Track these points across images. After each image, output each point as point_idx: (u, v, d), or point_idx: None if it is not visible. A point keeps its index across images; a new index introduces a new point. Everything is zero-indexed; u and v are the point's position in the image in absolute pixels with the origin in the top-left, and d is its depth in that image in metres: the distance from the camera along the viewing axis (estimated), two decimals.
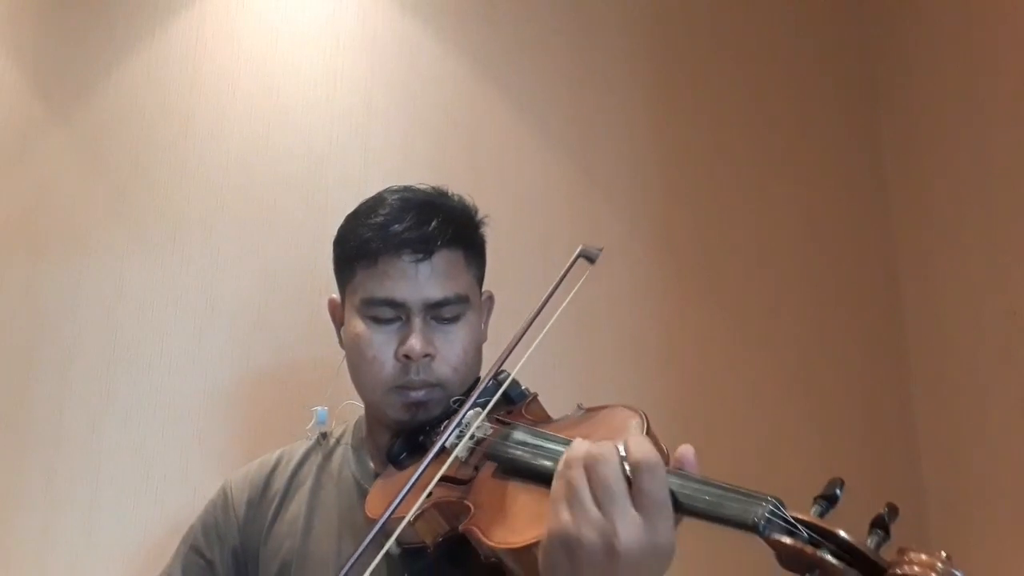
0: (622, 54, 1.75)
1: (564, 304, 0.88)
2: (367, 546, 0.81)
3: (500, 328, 1.11)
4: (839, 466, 1.58)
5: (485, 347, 1.07)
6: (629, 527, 0.62)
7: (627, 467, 0.65)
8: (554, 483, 0.68)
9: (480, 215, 1.09)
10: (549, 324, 0.89)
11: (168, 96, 1.61)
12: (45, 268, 1.51)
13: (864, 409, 1.64)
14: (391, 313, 0.98)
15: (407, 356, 0.96)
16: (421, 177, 1.61)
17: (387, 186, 1.11)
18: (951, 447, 1.56)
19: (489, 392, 0.91)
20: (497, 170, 1.65)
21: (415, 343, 0.96)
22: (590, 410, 0.93)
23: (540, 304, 0.91)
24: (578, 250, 0.93)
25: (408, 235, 0.98)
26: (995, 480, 1.45)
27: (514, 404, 1.00)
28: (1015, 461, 1.40)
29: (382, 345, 0.98)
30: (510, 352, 0.89)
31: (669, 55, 1.77)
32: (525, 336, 0.89)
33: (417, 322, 0.97)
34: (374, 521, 0.87)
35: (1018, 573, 1.38)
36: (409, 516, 0.82)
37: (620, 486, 0.64)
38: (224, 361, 1.50)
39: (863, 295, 1.70)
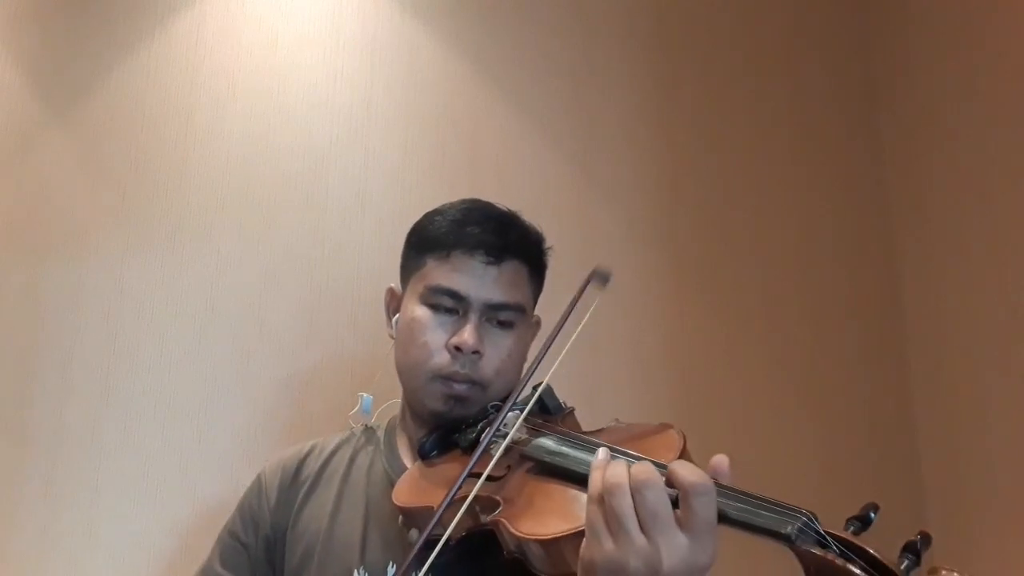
0: (622, 54, 1.75)
1: (579, 329, 0.91)
2: (392, 534, 0.89)
3: None
4: (839, 466, 1.59)
5: None
6: (675, 551, 0.63)
7: (670, 490, 0.65)
8: (591, 507, 0.67)
9: (547, 244, 1.14)
10: (565, 348, 0.90)
11: (168, 96, 1.61)
12: (45, 268, 1.51)
13: (864, 409, 1.64)
14: (451, 304, 1.03)
15: (458, 348, 1.00)
16: (421, 177, 1.63)
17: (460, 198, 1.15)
18: (951, 447, 1.56)
19: (527, 399, 0.94)
20: (497, 170, 1.65)
21: (468, 337, 1.00)
22: (627, 424, 0.95)
23: (554, 329, 0.93)
24: (591, 273, 0.96)
25: (485, 238, 1.04)
26: (995, 480, 1.44)
27: (551, 415, 1.01)
28: (1015, 461, 1.40)
29: (435, 332, 1.02)
30: (531, 375, 0.92)
31: (669, 55, 1.77)
32: (542, 357, 0.92)
33: (473, 318, 1.02)
34: (401, 509, 0.92)
35: (1018, 573, 1.38)
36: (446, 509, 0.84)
37: (667, 511, 0.64)
38: (224, 361, 1.50)
39: (863, 295, 1.70)
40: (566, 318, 0.92)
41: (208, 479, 1.43)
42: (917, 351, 1.66)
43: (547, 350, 0.91)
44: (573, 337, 0.89)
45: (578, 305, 0.93)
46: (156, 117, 1.59)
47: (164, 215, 1.55)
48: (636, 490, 0.64)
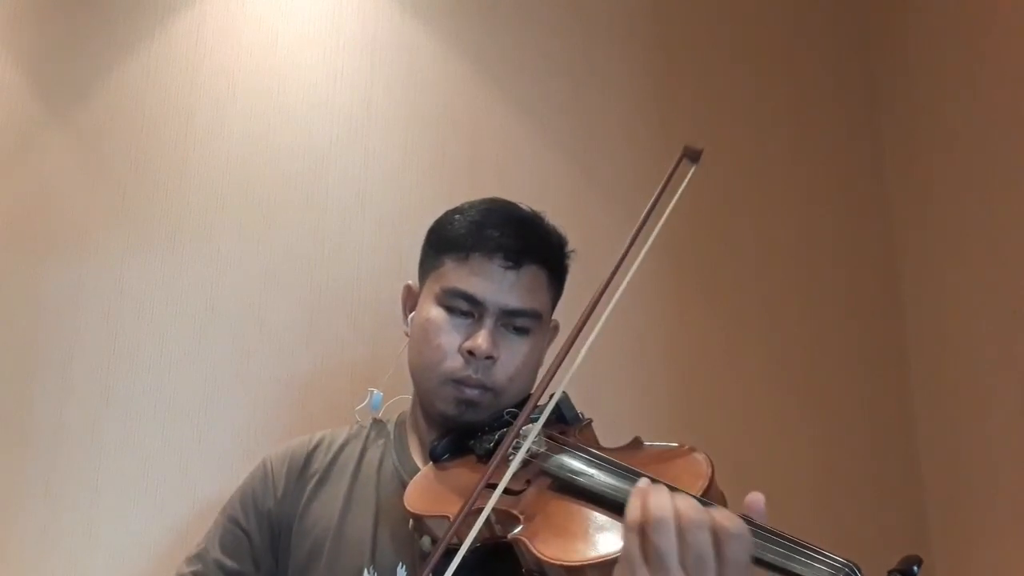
0: (622, 54, 1.75)
1: (668, 210, 0.90)
2: (402, 535, 0.89)
3: None
4: (839, 466, 1.59)
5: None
6: None
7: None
8: (630, 535, 0.67)
9: (569, 248, 1.13)
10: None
11: (168, 96, 1.61)
12: (45, 268, 1.51)
13: (864, 409, 1.64)
14: (467, 307, 1.01)
15: (471, 352, 0.99)
16: (421, 177, 1.63)
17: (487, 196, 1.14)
18: (951, 447, 1.56)
19: (545, 407, 0.90)
20: (497, 170, 1.65)
21: (482, 342, 0.99)
22: (650, 444, 0.93)
23: (645, 213, 0.91)
24: (682, 150, 0.94)
25: (504, 241, 1.02)
26: (995, 480, 1.44)
27: (568, 425, 1.00)
28: (1015, 461, 1.40)
29: (450, 334, 1.01)
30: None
31: (669, 55, 1.76)
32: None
33: (489, 323, 1.00)
34: (412, 515, 0.90)
35: (1018, 573, 1.38)
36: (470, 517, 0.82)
37: (711, 554, 0.64)
38: (224, 361, 1.50)
39: (863, 295, 1.70)
40: (655, 204, 0.91)
41: (208, 479, 1.43)
42: (917, 351, 1.66)
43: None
44: (666, 213, 0.89)
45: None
46: (156, 117, 1.59)
47: (164, 215, 1.55)
48: (684, 529, 0.65)
